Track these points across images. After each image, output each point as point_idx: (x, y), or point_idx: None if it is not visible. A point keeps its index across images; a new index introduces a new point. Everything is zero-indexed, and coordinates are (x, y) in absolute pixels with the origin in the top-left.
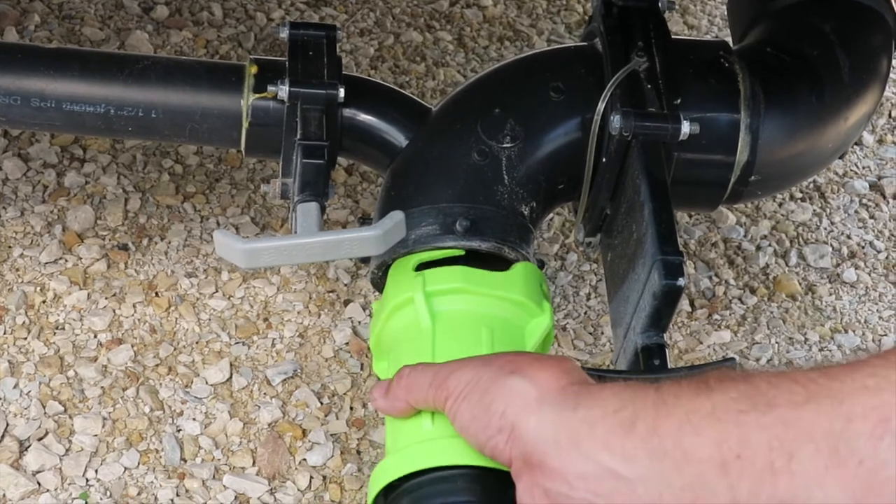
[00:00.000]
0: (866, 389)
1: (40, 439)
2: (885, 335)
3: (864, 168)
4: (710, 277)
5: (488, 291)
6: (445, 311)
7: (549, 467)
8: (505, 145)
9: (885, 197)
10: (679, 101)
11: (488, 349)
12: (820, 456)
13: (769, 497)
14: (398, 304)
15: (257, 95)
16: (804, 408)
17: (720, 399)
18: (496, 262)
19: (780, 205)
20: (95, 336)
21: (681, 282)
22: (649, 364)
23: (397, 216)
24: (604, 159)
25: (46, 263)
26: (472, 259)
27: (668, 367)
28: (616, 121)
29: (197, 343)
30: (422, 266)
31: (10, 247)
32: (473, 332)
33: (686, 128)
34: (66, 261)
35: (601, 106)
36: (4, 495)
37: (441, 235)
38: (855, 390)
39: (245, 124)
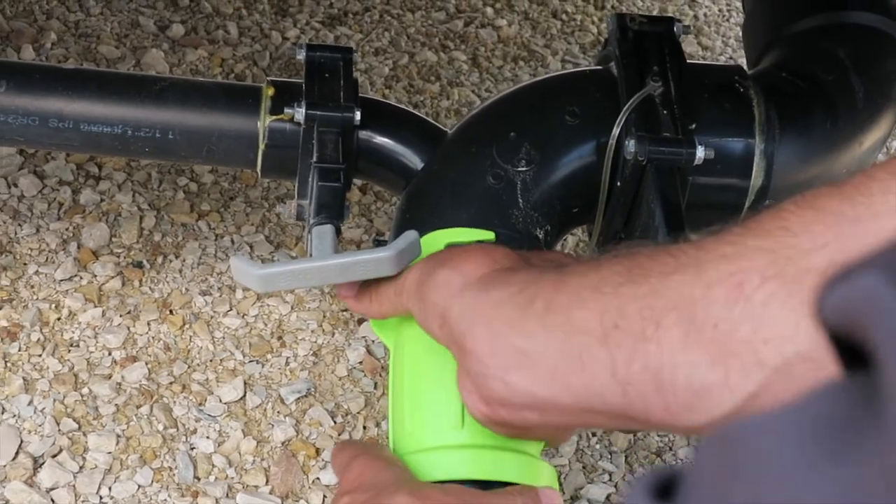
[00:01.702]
0: (725, 258)
1: (54, 456)
2: None
3: None
4: None
5: None
6: None
7: (468, 350)
8: (520, 169)
9: None
10: (694, 125)
11: None
12: (682, 322)
13: (640, 364)
14: None
15: (274, 117)
16: (671, 277)
17: (606, 273)
18: None
19: None
20: (110, 353)
21: None
22: None
23: (411, 235)
24: (618, 183)
25: (61, 281)
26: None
27: None
28: (631, 145)
29: (211, 361)
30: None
31: (25, 264)
32: None
33: (701, 153)
34: (81, 278)
35: (616, 131)
36: None
37: None
38: (716, 258)
39: (261, 146)
